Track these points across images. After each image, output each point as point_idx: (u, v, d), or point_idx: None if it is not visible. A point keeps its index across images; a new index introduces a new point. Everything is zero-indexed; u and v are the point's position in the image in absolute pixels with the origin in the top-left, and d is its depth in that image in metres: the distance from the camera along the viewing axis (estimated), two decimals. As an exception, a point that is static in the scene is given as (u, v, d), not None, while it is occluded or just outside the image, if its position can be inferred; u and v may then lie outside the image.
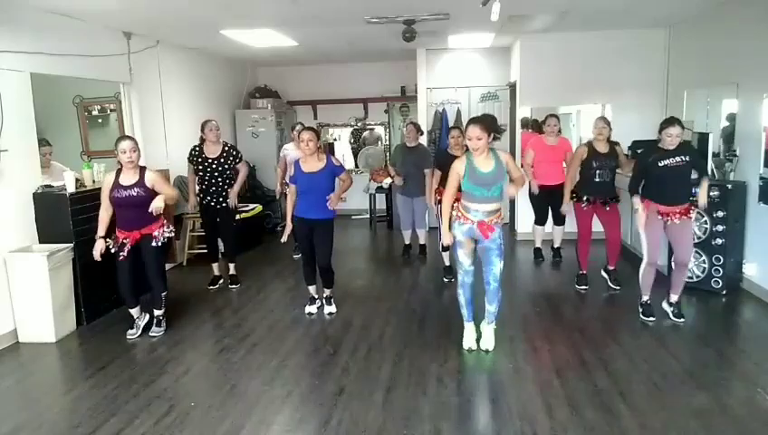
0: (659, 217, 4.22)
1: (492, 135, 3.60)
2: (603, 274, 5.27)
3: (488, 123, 3.60)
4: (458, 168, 3.67)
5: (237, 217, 5.85)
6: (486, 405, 3.26)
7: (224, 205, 5.43)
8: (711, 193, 4.78)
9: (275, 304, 5.15)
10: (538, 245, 6.35)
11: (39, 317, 4.28)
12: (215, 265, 5.71)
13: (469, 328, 3.98)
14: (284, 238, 4.63)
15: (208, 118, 5.57)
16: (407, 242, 6.56)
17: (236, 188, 5.47)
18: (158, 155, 6.15)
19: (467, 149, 3.70)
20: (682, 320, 4.32)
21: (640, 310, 4.45)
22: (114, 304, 4.93)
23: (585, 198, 4.99)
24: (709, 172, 4.79)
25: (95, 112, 7.10)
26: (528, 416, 3.05)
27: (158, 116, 6.30)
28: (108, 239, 4.19)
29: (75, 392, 3.55)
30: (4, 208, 4.30)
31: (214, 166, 5.31)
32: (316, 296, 4.81)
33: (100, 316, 4.77)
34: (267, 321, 4.68)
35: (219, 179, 5.35)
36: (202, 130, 5.30)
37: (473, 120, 3.65)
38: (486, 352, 3.86)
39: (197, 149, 5.34)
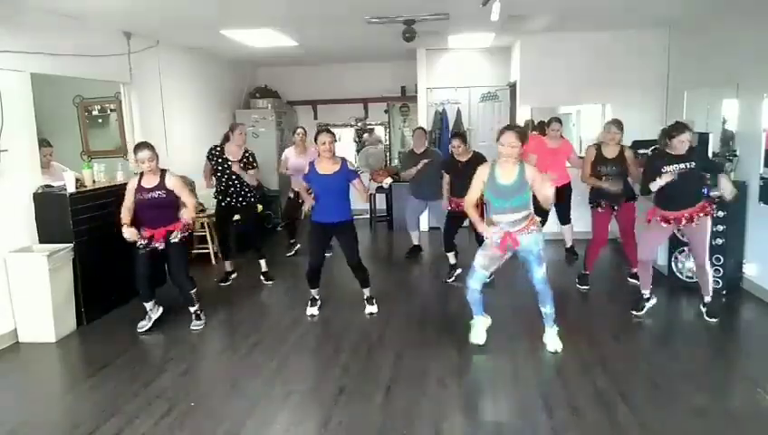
0: (664, 225, 4.21)
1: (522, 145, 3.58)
2: (631, 280, 5.22)
3: (523, 133, 3.63)
4: (482, 174, 3.67)
5: (258, 209, 6.00)
6: (486, 405, 3.26)
7: (243, 204, 5.55)
8: (711, 193, 4.78)
9: (276, 304, 5.15)
10: None
11: (39, 317, 4.28)
12: (227, 263, 5.81)
13: (479, 321, 3.96)
14: (307, 207, 4.68)
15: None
16: (415, 243, 6.57)
17: (250, 172, 5.51)
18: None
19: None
20: (715, 319, 4.27)
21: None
22: (114, 304, 4.94)
23: (599, 203, 4.97)
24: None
25: (95, 112, 7.09)
26: (528, 416, 3.05)
27: (158, 116, 6.29)
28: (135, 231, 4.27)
29: (75, 392, 3.55)
30: (5, 208, 4.30)
31: (234, 168, 5.41)
32: (317, 298, 4.80)
33: (100, 316, 4.77)
34: (267, 321, 4.68)
35: (237, 182, 5.46)
36: (231, 131, 5.45)
37: (508, 127, 3.67)
38: (555, 352, 3.82)
39: (218, 149, 5.45)
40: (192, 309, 4.51)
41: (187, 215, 4.39)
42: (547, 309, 3.89)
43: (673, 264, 5.17)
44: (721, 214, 4.80)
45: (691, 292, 4.79)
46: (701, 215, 4.14)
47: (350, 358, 3.85)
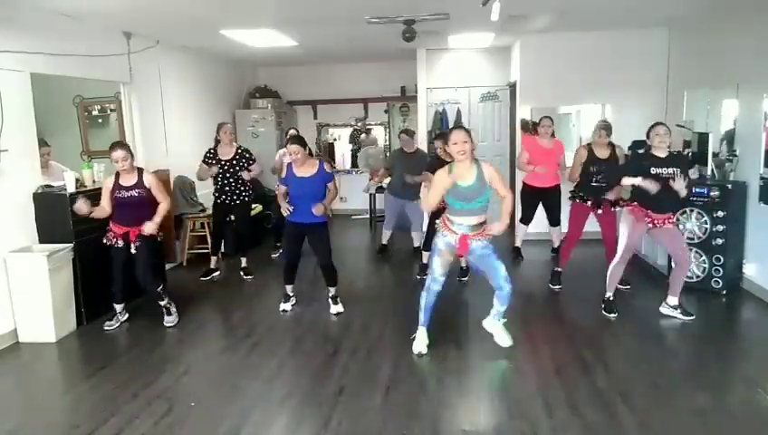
0: (645, 220, 4.20)
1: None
2: (619, 287, 5.21)
3: (468, 131, 3.61)
4: (443, 182, 3.58)
5: (256, 209, 6.09)
6: (486, 405, 3.26)
7: (238, 202, 5.70)
8: (711, 193, 4.79)
9: (275, 305, 5.14)
10: (518, 244, 6.36)
11: (39, 317, 4.28)
12: (213, 258, 5.96)
13: (422, 333, 3.94)
14: (287, 211, 4.55)
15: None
16: (384, 242, 6.59)
17: (252, 171, 5.65)
18: (157, 155, 6.14)
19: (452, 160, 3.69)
20: (692, 317, 4.29)
21: (602, 306, 4.48)
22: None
23: (582, 197, 4.99)
24: (708, 173, 4.80)
25: (95, 112, 7.09)
26: (528, 416, 3.05)
27: (158, 116, 6.29)
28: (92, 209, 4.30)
29: (75, 392, 3.55)
30: (4, 208, 4.30)
31: (226, 167, 5.59)
32: (291, 294, 4.87)
33: (100, 316, 4.75)
34: (267, 321, 4.68)
35: (232, 180, 5.62)
36: (217, 132, 5.61)
37: (457, 126, 3.76)
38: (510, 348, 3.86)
39: (212, 151, 5.64)
40: (162, 303, 4.57)
41: (159, 215, 4.41)
42: (504, 307, 3.87)
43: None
44: (721, 214, 4.81)
45: (691, 292, 4.78)
46: (667, 223, 4.19)
47: (350, 358, 3.85)
